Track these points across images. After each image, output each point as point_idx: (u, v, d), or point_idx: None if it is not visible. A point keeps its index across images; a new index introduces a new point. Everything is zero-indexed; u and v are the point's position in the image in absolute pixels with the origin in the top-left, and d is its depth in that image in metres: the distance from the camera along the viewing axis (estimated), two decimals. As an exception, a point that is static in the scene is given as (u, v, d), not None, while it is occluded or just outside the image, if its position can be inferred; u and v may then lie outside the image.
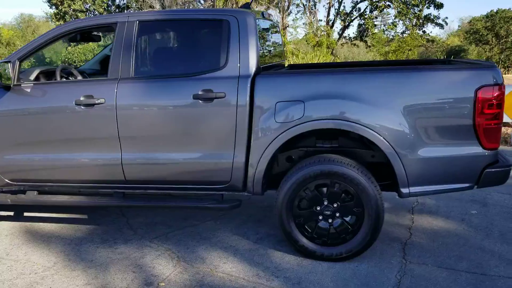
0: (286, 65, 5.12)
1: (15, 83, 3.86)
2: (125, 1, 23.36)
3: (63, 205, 4.16)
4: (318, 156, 3.62)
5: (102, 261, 3.67)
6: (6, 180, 4.04)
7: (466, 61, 4.33)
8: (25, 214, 4.72)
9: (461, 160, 3.40)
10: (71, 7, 22.77)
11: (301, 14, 24.61)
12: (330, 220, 3.57)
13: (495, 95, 3.26)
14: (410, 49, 23.70)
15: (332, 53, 20.93)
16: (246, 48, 3.60)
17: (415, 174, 3.41)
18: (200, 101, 3.56)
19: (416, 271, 3.44)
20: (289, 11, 23.28)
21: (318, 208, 3.57)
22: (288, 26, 21.66)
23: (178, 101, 3.63)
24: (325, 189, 3.53)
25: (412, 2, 22.39)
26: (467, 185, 3.45)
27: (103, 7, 23.21)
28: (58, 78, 4.13)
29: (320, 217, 3.57)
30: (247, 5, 4.27)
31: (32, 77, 4.15)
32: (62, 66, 4.26)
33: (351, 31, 69.41)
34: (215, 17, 3.71)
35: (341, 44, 26.55)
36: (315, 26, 23.11)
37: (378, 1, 23.40)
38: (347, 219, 3.55)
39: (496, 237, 4.05)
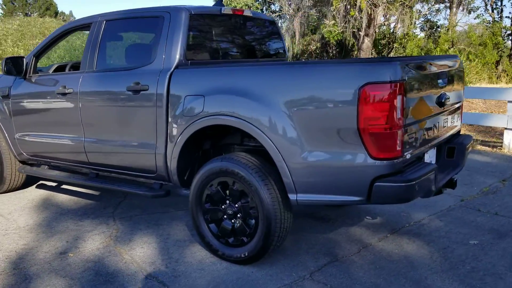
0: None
1: (30, 74, 4.69)
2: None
3: (56, 180, 4.86)
4: (230, 154, 3.51)
5: (60, 229, 4.22)
6: (26, 155, 4.92)
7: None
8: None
9: (346, 169, 2.90)
10: None
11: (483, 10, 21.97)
12: (233, 220, 3.43)
13: (384, 94, 2.71)
14: None
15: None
16: (171, 43, 3.69)
17: (301, 181, 3.04)
18: (131, 93, 3.80)
19: (302, 289, 3.09)
20: (465, 7, 20.89)
21: (223, 207, 3.46)
22: (456, 25, 19.56)
23: (117, 92, 3.93)
24: (228, 188, 3.41)
25: None
26: (357, 198, 2.91)
27: None
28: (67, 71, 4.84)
29: (225, 216, 3.47)
30: (219, 2, 4.33)
31: (51, 70, 4.97)
32: (72, 62, 4.97)
33: None
34: (154, 14, 3.89)
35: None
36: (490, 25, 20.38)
37: None
38: (246, 221, 3.37)
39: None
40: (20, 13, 52.77)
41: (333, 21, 14.54)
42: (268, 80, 3.18)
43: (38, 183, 5.70)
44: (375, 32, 14.95)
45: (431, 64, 3.24)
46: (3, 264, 3.51)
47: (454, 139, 3.88)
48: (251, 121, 3.15)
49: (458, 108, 3.94)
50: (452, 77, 3.66)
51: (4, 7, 54.75)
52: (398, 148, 2.79)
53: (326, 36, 14.76)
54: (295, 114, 2.99)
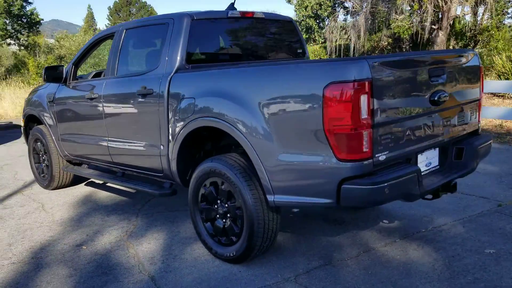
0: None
1: (70, 81, 5.13)
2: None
3: (90, 178, 5.24)
4: (220, 155, 3.58)
5: (87, 223, 4.57)
6: (68, 155, 5.38)
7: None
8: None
9: (316, 171, 2.82)
10: None
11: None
12: (223, 220, 3.50)
13: (347, 93, 2.60)
14: None
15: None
16: (172, 48, 3.83)
17: (277, 182, 3.02)
18: (140, 97, 4.02)
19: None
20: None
21: (216, 206, 3.55)
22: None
23: (130, 97, 4.16)
24: (218, 188, 3.49)
25: None
26: (327, 201, 2.81)
27: None
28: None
29: (217, 215, 3.55)
30: (231, 6, 4.42)
31: (90, 77, 5.39)
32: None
33: None
34: (162, 21, 4.06)
35: None
36: None
37: None
38: (235, 221, 3.41)
39: None
40: (125, 23, 56.80)
41: (402, 15, 13.88)
42: (245, 82, 3.21)
43: (87, 181, 6.19)
44: (450, 24, 14.01)
45: (416, 61, 3.03)
46: (25, 253, 3.90)
47: (467, 139, 3.60)
48: (232, 123, 3.20)
49: (473, 106, 3.64)
50: (458, 73, 3.40)
51: (111, 17, 59.31)
52: (365, 150, 2.67)
53: (395, 31, 14.14)
54: (269, 115, 2.98)
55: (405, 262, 3.42)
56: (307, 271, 3.35)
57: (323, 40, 17.30)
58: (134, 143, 4.22)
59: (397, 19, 13.90)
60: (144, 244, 3.98)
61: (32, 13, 36.17)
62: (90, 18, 62.98)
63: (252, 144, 3.09)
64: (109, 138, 4.52)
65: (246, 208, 3.22)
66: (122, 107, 4.29)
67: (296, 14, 20.73)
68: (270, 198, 3.09)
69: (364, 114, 2.63)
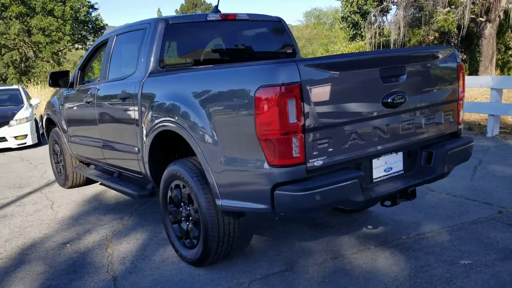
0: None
1: (77, 86, 5.38)
2: None
3: (92, 179, 5.45)
4: (183, 158, 3.59)
5: (82, 222, 4.77)
6: (76, 155, 5.64)
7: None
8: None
9: (251, 176, 2.76)
10: None
11: None
12: (187, 222, 3.53)
13: (275, 97, 2.53)
14: None
15: None
16: (147, 52, 3.89)
17: (222, 187, 3.00)
18: (121, 100, 4.13)
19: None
20: None
21: (181, 209, 3.58)
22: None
23: (114, 100, 4.29)
24: (181, 191, 3.52)
25: None
26: (264, 207, 2.74)
27: None
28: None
29: (182, 218, 3.58)
30: (215, 8, 4.43)
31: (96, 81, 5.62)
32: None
33: None
34: (141, 26, 4.13)
35: None
36: None
37: None
38: (195, 224, 3.43)
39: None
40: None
41: (447, 8, 13.10)
42: (193, 86, 3.21)
43: (102, 180, 6.45)
44: (499, 16, 13.03)
45: (359, 62, 2.87)
46: (15, 250, 4.14)
47: (440, 142, 3.38)
48: (185, 127, 3.21)
49: (449, 107, 3.40)
50: (426, 72, 3.19)
51: None
52: (296, 155, 2.59)
53: (439, 25, 13.39)
54: (213, 119, 2.96)
55: (368, 271, 3.28)
56: (265, 277, 3.30)
57: (371, 36, 16.83)
58: (119, 145, 4.35)
59: (441, 13, 13.17)
60: (124, 244, 4.09)
61: (96, 19, 38.13)
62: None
63: (201, 148, 3.09)
64: (102, 140, 4.69)
65: (201, 211, 3.23)
66: (110, 110, 4.43)
67: (342, 10, 20.31)
68: (218, 202, 3.07)
69: (292, 118, 2.55)
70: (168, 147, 3.84)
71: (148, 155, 3.79)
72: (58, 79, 5.31)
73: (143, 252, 3.87)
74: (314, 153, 2.66)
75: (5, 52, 34.15)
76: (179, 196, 3.53)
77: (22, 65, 35.49)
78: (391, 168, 3.15)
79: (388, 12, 15.61)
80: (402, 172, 3.22)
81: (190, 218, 3.46)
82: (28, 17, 34.47)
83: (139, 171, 4.10)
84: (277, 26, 4.64)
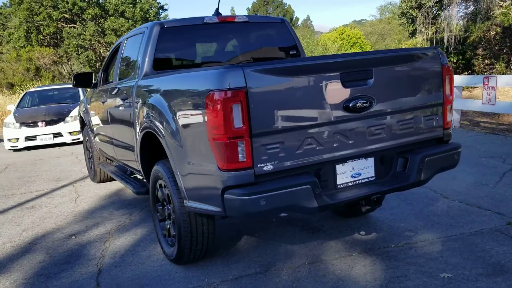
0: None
1: (99, 86, 5.68)
2: None
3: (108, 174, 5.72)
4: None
5: (96, 215, 5.05)
6: (102, 153, 5.96)
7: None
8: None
9: (206, 179, 2.80)
10: None
11: None
12: (169, 221, 3.64)
13: (221, 102, 2.55)
14: None
15: None
16: (144, 54, 4.04)
17: (187, 189, 3.07)
18: (122, 101, 4.32)
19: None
20: None
21: (166, 208, 3.70)
22: None
23: (118, 101, 4.49)
24: (163, 190, 3.63)
25: None
26: (218, 209, 2.76)
27: None
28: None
29: (166, 216, 3.69)
30: (216, 11, 4.50)
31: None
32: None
33: None
34: (141, 30, 4.29)
35: None
36: None
37: None
38: (174, 222, 3.52)
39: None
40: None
41: (508, 1, 12.12)
42: (164, 89, 3.29)
43: (130, 176, 6.76)
44: None
45: (314, 66, 2.77)
46: (28, 239, 4.47)
47: (420, 148, 3.21)
48: (158, 129, 3.31)
49: (431, 111, 3.23)
50: (402, 75, 3.05)
51: None
52: (243, 159, 2.59)
53: (498, 20, 12.44)
54: (178, 123, 3.03)
55: (340, 279, 3.20)
56: (236, 278, 3.32)
57: (433, 32, 16.08)
58: (124, 144, 4.55)
59: (501, 6, 12.23)
60: (122, 238, 4.29)
61: (164, 18, 39.59)
62: (233, 19, 65.52)
63: (170, 150, 3.18)
64: (113, 139, 4.93)
65: (175, 211, 3.32)
66: (115, 110, 4.65)
67: (400, 6, 19.54)
68: (185, 203, 3.15)
69: (238, 123, 2.56)
70: (157, 146, 3.97)
71: (139, 153, 3.94)
72: (82, 80, 5.63)
73: (135, 248, 4.03)
74: (263, 158, 2.65)
75: (81, 52, 36.41)
76: (162, 195, 3.65)
77: (98, 64, 37.66)
78: (360, 174, 3.05)
79: (446, 7, 14.80)
80: (374, 178, 3.11)
81: (171, 217, 3.57)
82: (102, 19, 36.56)
83: (138, 169, 4.27)
84: (280, 27, 4.61)
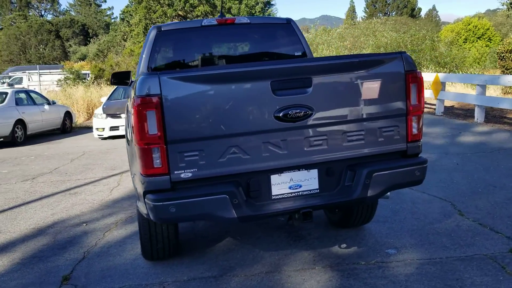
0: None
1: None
2: None
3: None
4: None
5: (116, 206, 5.41)
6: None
7: None
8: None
9: (138, 182, 2.87)
10: None
11: None
12: (145, 218, 3.79)
13: (137, 108, 2.62)
14: None
15: None
16: (141, 57, 4.25)
17: (136, 189, 3.17)
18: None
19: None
20: None
21: (141, 205, 3.86)
22: None
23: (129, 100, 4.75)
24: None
25: None
26: (146, 212, 2.82)
27: None
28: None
29: (144, 213, 3.86)
30: (221, 14, 4.55)
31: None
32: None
33: None
34: (149, 32, 4.48)
35: None
36: None
37: None
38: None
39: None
40: (380, 14, 57.03)
41: None
42: (131, 93, 3.42)
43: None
44: None
45: (241, 74, 2.66)
46: (48, 223, 4.93)
47: (375, 162, 2.95)
48: (127, 132, 3.47)
49: (392, 122, 2.94)
50: (345, 84, 2.83)
51: (367, 9, 60.42)
52: (158, 166, 2.63)
53: None
54: (128, 125, 3.17)
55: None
56: (189, 279, 3.37)
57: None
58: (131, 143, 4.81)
59: None
60: (121, 230, 4.55)
61: (269, 15, 40.19)
62: (352, 11, 63.96)
63: (127, 150, 3.32)
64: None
65: (139, 215, 3.45)
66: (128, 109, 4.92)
67: (502, 4, 17.59)
68: (136, 203, 3.27)
69: (153, 130, 2.61)
70: None
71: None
72: (120, 79, 6.02)
73: (125, 240, 4.26)
74: (181, 165, 2.66)
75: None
76: (139, 193, 3.82)
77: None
78: (300, 186, 2.90)
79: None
80: (317, 191, 2.93)
81: (144, 214, 3.72)
82: (212, 16, 38.29)
83: None
84: (285, 28, 4.50)
